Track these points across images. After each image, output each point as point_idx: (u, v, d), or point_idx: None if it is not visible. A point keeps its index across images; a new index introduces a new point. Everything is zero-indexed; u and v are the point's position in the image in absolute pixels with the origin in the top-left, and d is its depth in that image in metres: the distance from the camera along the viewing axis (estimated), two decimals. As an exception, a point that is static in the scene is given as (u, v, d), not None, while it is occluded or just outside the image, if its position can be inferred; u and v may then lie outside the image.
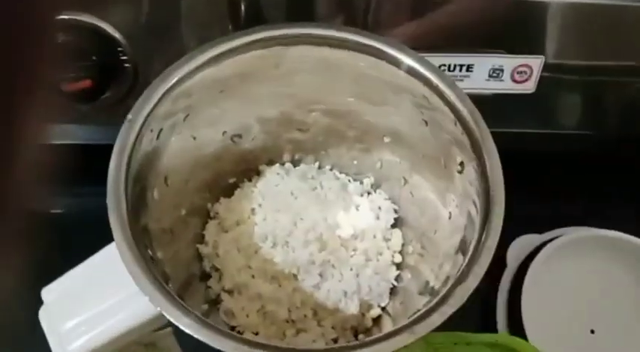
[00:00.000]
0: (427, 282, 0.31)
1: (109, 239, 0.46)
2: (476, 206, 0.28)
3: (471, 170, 0.29)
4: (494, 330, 0.43)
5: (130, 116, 0.28)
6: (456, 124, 0.29)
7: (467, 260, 0.26)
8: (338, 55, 0.31)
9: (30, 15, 0.11)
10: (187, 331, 0.23)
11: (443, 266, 0.30)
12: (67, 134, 0.47)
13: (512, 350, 0.35)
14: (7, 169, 0.12)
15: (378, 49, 0.30)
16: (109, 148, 0.46)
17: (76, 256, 0.44)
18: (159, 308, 0.24)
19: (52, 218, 0.48)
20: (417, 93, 0.31)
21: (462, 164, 0.30)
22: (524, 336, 0.41)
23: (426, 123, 0.32)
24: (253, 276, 0.34)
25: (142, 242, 0.25)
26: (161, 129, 0.29)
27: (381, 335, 0.24)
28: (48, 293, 0.26)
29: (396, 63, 0.30)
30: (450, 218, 0.31)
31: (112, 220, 0.25)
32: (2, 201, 0.12)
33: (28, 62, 0.12)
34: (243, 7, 0.40)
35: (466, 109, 0.29)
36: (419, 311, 0.25)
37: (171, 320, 0.23)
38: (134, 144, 0.27)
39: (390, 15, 0.39)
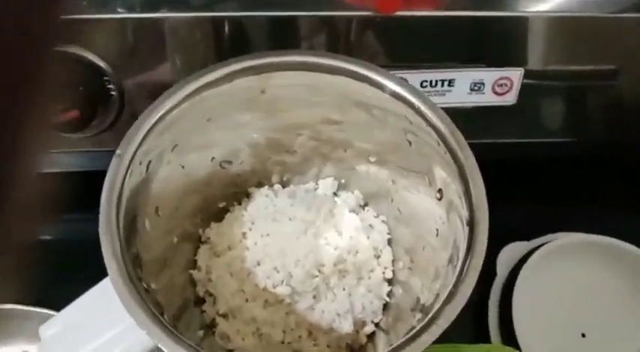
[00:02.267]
0: (418, 298, 0.32)
1: (97, 264, 0.47)
2: (462, 222, 0.29)
3: (454, 189, 0.29)
4: (487, 338, 0.44)
5: (118, 151, 0.28)
6: (439, 144, 0.30)
7: (454, 279, 0.26)
8: (322, 79, 0.32)
9: (30, 48, 0.12)
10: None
11: (433, 282, 0.31)
12: (54, 162, 0.47)
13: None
14: (6, 199, 0.12)
15: (361, 74, 0.31)
16: (95, 174, 0.46)
17: (66, 280, 0.45)
18: (156, 341, 0.24)
19: (40, 244, 0.48)
20: (400, 114, 0.31)
21: (440, 191, 0.31)
22: (516, 343, 0.42)
23: (410, 143, 0.32)
24: (247, 300, 0.34)
25: (135, 275, 0.26)
26: (150, 161, 0.30)
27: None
28: (46, 329, 0.26)
29: (380, 86, 0.31)
30: (437, 235, 0.32)
31: (106, 256, 0.25)
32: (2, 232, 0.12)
33: (29, 93, 0.12)
34: (227, 34, 0.41)
35: (448, 130, 0.30)
36: (410, 331, 0.26)
37: (168, 353, 0.23)
38: (124, 178, 0.28)
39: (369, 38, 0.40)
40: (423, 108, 0.30)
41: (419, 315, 0.31)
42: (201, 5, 0.40)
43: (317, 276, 0.34)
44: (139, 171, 0.29)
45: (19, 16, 0.11)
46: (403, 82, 0.31)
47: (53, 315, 0.41)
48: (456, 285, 0.26)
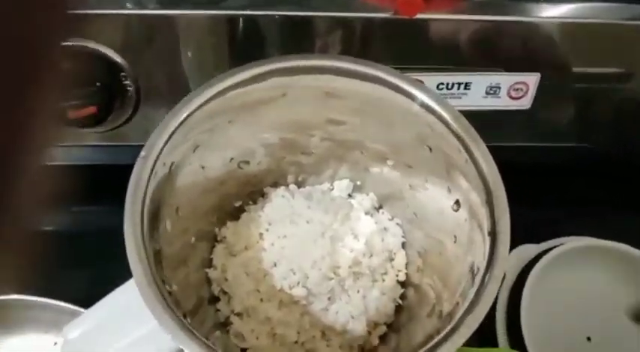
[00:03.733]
0: (434, 305, 0.32)
1: (104, 255, 0.47)
2: (482, 232, 0.29)
3: (475, 198, 0.30)
4: (494, 340, 0.44)
5: (143, 153, 0.28)
6: (460, 152, 0.30)
7: (475, 288, 0.27)
8: (345, 83, 0.32)
9: (38, 39, 0.12)
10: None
11: (452, 289, 0.31)
12: (68, 155, 0.47)
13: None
14: (12, 189, 0.12)
15: (389, 82, 0.31)
16: (108, 168, 0.47)
17: (74, 271, 0.45)
18: (180, 345, 0.24)
19: (46, 235, 0.49)
20: (423, 121, 0.31)
21: (457, 202, 0.31)
22: (523, 346, 0.42)
23: (430, 149, 0.33)
24: (262, 300, 0.35)
25: (159, 277, 0.26)
26: (173, 163, 0.30)
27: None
28: (70, 330, 0.27)
29: (407, 95, 0.31)
30: (455, 241, 0.32)
31: (131, 260, 0.26)
32: (8, 220, 0.12)
33: (34, 86, 0.12)
34: (241, 33, 0.41)
35: (471, 139, 0.30)
36: (430, 339, 0.26)
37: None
38: (148, 179, 0.28)
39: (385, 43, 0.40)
40: (446, 115, 0.30)
41: (435, 321, 0.31)
42: (216, 2, 0.40)
43: (332, 278, 0.35)
44: (162, 172, 0.29)
45: (25, 9, 0.11)
46: (429, 90, 0.31)
47: (68, 308, 0.42)
48: (477, 295, 0.26)
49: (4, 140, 0.12)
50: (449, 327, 0.26)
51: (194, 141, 0.31)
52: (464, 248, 0.31)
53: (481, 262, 0.28)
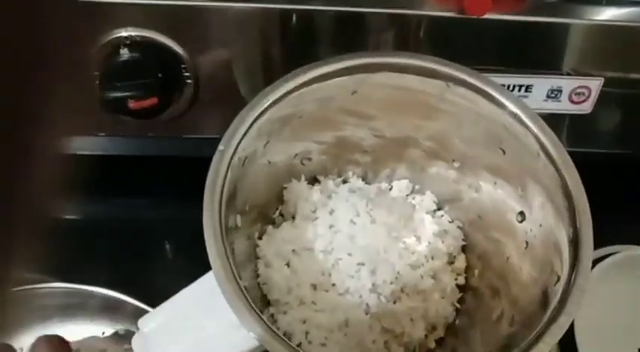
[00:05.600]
0: (503, 310, 0.32)
1: (127, 245, 0.47)
2: (559, 242, 0.28)
3: (551, 204, 0.29)
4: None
5: (221, 146, 0.28)
6: (539, 156, 0.29)
7: (558, 297, 0.26)
8: (417, 82, 0.31)
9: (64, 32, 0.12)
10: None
11: (518, 295, 0.30)
12: (116, 146, 0.47)
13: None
14: (33, 178, 0.12)
15: (470, 83, 0.30)
16: (153, 160, 0.47)
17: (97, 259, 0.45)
18: (260, 341, 0.24)
19: (70, 223, 0.49)
20: (498, 121, 0.31)
21: (522, 214, 0.30)
22: (575, 353, 0.42)
23: (504, 151, 0.32)
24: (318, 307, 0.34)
25: (237, 273, 0.26)
26: (246, 157, 0.30)
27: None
28: (145, 322, 0.26)
29: (482, 93, 0.30)
30: (526, 248, 0.31)
31: (210, 253, 0.25)
32: (25, 207, 0.12)
33: (62, 76, 0.12)
34: (296, 27, 0.40)
35: (550, 142, 0.29)
36: (508, 347, 0.26)
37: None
38: (226, 173, 0.27)
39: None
40: (524, 117, 0.30)
41: (505, 327, 0.30)
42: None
43: (394, 281, 0.34)
44: (237, 165, 0.29)
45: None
46: (504, 89, 0.30)
47: (113, 297, 0.42)
48: (561, 303, 0.25)
49: (24, 128, 0.11)
50: (531, 335, 0.25)
51: (267, 136, 0.31)
52: (535, 256, 0.30)
53: (560, 270, 0.27)
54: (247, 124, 0.29)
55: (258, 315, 0.25)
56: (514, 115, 0.30)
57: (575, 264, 0.26)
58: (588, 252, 0.26)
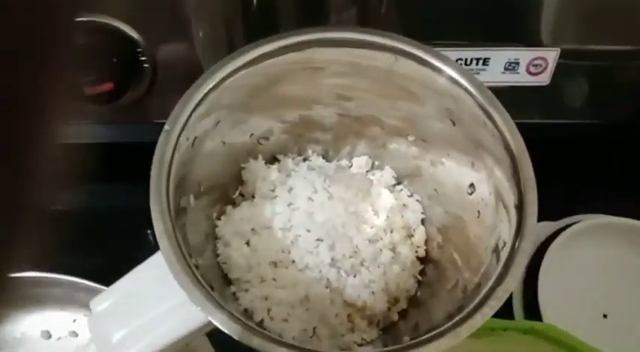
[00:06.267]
0: (457, 280, 0.32)
1: (118, 233, 0.47)
2: (506, 207, 0.29)
3: (499, 172, 0.29)
4: (510, 315, 0.44)
5: (167, 126, 0.28)
6: (486, 125, 0.30)
7: (503, 261, 0.26)
8: (369, 56, 0.31)
9: (51, 16, 0.12)
10: (241, 340, 0.24)
11: (473, 263, 0.31)
12: (83, 133, 0.47)
13: (547, 337, 0.36)
14: (27, 168, 0.12)
15: (410, 53, 0.31)
16: (123, 146, 0.46)
17: (87, 248, 0.45)
18: (209, 317, 0.24)
19: (60, 213, 0.49)
20: (446, 94, 0.31)
21: (472, 185, 0.31)
22: (539, 320, 0.42)
23: (453, 123, 0.32)
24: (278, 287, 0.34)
25: (186, 250, 0.26)
26: (195, 137, 0.30)
27: (424, 337, 0.25)
28: (96, 304, 0.27)
29: (430, 66, 0.31)
30: (478, 217, 0.32)
31: (157, 231, 0.25)
32: (22, 198, 0.12)
33: (49, 63, 0.12)
34: (255, 6, 0.40)
35: (496, 112, 0.29)
36: (458, 311, 0.26)
37: (225, 330, 0.24)
38: (172, 153, 0.28)
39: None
40: (471, 88, 0.30)
41: (459, 296, 0.31)
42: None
43: (353, 255, 0.35)
44: (185, 145, 0.29)
45: None
46: (453, 62, 0.30)
47: (83, 284, 0.42)
48: (506, 266, 0.26)
49: (17, 120, 0.11)
50: (477, 299, 0.25)
51: (216, 115, 0.31)
52: (488, 222, 0.31)
53: (507, 236, 0.28)
54: (193, 104, 0.29)
55: (207, 290, 0.25)
56: (460, 85, 0.30)
57: (519, 228, 0.27)
58: (533, 217, 0.27)
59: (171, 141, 0.28)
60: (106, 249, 0.48)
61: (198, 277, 0.25)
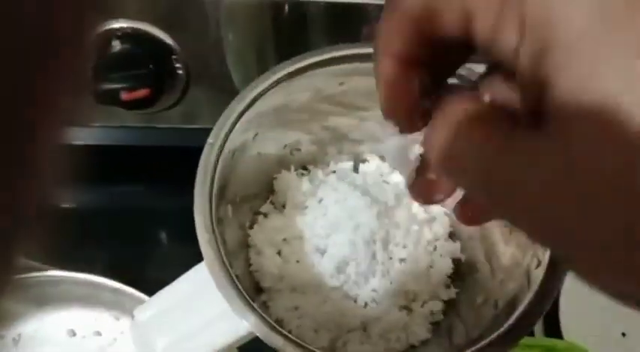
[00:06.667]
0: (487, 294, 0.33)
1: (121, 234, 0.48)
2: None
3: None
4: (531, 332, 0.44)
5: (210, 139, 0.28)
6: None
7: (539, 281, 0.27)
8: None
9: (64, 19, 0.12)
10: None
11: (505, 282, 0.31)
12: (111, 137, 0.48)
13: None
14: (31, 166, 0.12)
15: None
16: (145, 150, 0.47)
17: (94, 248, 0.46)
18: (252, 328, 0.25)
19: (70, 212, 0.50)
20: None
21: None
22: (560, 337, 0.43)
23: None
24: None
25: (228, 261, 0.26)
26: (235, 149, 0.30)
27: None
28: (140, 312, 0.27)
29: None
30: (510, 233, 0.32)
31: (202, 242, 0.26)
32: (28, 196, 0.12)
33: (59, 62, 0.12)
34: (286, 17, 0.40)
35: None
36: (494, 326, 0.27)
37: (268, 342, 0.24)
38: (215, 165, 0.28)
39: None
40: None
41: (490, 310, 0.31)
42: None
43: (385, 264, 0.35)
44: (226, 157, 0.29)
45: None
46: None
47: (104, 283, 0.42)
48: (537, 296, 0.26)
49: (26, 117, 0.11)
50: (512, 319, 0.26)
51: (256, 128, 0.31)
52: (519, 239, 0.31)
53: (542, 253, 0.28)
54: (235, 117, 0.29)
55: (249, 302, 0.25)
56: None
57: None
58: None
59: (214, 153, 0.28)
60: (126, 247, 0.49)
61: (240, 288, 0.26)
